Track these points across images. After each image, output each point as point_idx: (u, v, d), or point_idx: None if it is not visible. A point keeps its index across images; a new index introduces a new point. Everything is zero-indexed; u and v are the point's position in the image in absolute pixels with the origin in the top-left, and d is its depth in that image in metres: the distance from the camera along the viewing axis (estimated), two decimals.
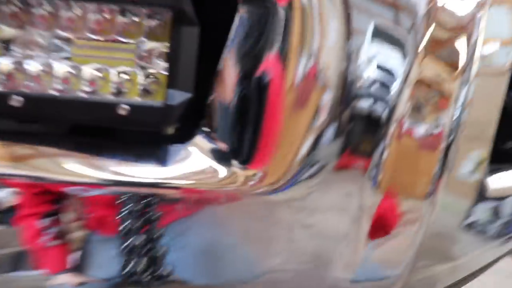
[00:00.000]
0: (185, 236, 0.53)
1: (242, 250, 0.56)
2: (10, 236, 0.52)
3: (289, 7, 0.50)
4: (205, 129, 0.53)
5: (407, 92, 0.56)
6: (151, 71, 0.51)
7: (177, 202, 0.52)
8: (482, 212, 0.79)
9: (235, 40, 0.50)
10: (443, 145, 0.60)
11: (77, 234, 0.52)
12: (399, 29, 0.56)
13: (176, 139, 0.53)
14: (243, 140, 0.52)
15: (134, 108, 0.50)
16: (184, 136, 0.53)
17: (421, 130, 0.59)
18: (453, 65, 0.61)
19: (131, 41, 0.50)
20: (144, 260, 0.52)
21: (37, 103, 0.48)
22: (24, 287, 0.54)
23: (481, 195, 0.75)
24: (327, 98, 0.51)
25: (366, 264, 0.61)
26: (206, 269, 0.55)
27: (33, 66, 0.49)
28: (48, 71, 0.49)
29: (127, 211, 0.51)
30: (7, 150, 0.50)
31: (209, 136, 0.53)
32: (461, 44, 0.61)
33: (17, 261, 0.52)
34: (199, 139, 0.53)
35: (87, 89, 0.49)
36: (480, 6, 0.61)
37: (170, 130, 0.52)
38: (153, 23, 0.50)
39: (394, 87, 0.55)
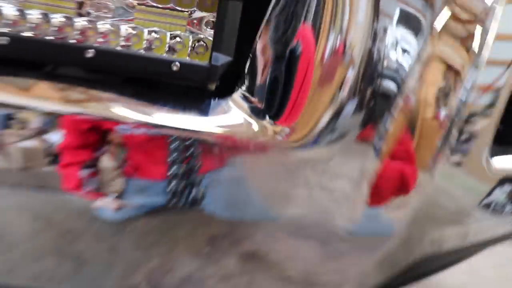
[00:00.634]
0: (220, 178, 0.63)
1: (264, 194, 0.65)
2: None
3: None
4: (243, 87, 0.63)
5: (419, 70, 0.65)
6: (199, 36, 0.60)
7: (215, 150, 0.61)
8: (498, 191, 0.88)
9: (273, 13, 0.59)
10: (447, 124, 0.69)
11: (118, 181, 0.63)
12: (421, 12, 0.64)
13: (217, 95, 0.62)
14: (275, 100, 0.61)
15: (184, 65, 0.59)
16: (224, 93, 0.62)
17: (429, 108, 0.67)
18: (466, 48, 0.69)
19: (184, 10, 0.60)
20: (184, 195, 0.62)
21: (105, 56, 0.59)
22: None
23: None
24: (351, 74, 0.60)
25: (365, 221, 0.70)
26: (234, 205, 0.65)
27: (103, 25, 0.59)
28: (115, 30, 0.59)
29: (173, 157, 0.61)
30: (67, 93, 0.60)
31: (245, 94, 0.62)
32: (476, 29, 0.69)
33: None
34: (236, 96, 0.62)
35: (146, 47, 0.60)
36: None
37: (212, 87, 0.62)
38: None
39: (409, 66, 0.64)
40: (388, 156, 0.67)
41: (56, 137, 0.59)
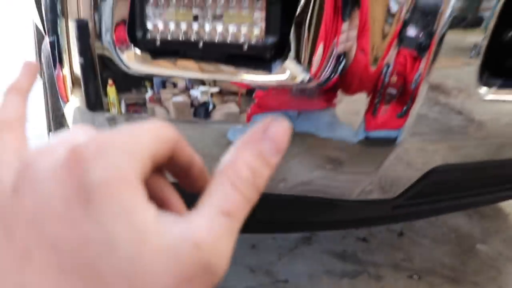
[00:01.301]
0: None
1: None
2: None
3: None
4: (290, 55, 1.02)
5: None
6: (258, 26, 1.01)
7: (274, 93, 1.03)
8: None
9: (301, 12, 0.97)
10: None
11: None
12: None
13: (274, 61, 1.03)
14: (306, 63, 0.99)
15: (251, 45, 1.01)
16: (278, 59, 1.03)
17: None
18: None
19: (248, 12, 1.01)
20: None
21: (210, 47, 1.03)
22: None
23: None
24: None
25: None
26: None
27: (206, 26, 1.04)
28: (208, 29, 1.04)
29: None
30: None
31: (291, 59, 1.02)
32: None
33: None
34: (287, 61, 1.02)
35: (229, 35, 1.03)
36: None
37: (269, 56, 1.03)
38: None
39: None
40: None
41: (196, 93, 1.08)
